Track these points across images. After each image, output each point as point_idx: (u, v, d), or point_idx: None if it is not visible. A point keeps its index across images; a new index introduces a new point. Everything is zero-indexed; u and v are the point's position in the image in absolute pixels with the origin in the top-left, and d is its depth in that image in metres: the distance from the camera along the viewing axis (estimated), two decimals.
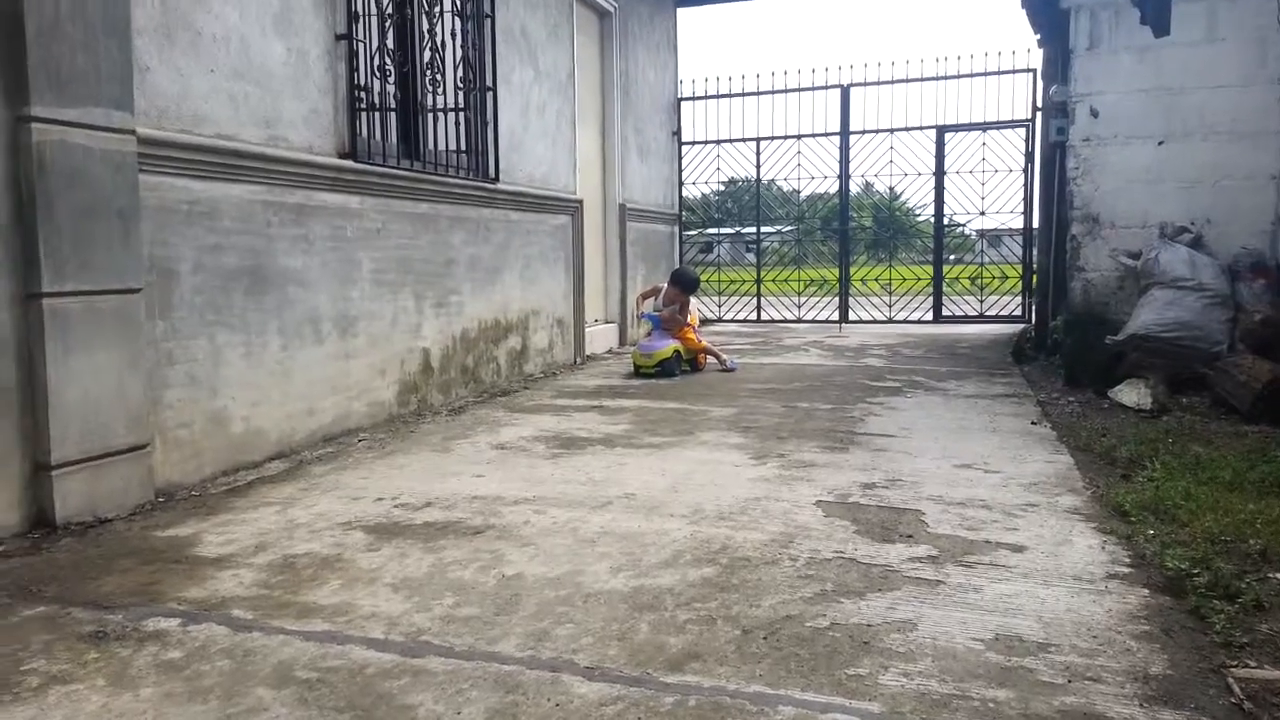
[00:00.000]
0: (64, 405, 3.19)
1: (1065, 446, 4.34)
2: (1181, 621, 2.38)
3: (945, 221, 10.71)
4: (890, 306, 10.82)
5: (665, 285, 7.32)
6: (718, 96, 10.91)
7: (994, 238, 11.40)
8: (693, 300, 7.46)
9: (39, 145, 3.11)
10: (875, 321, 10.72)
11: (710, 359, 7.29)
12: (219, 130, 3.97)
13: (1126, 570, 2.74)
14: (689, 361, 7.08)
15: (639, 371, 6.84)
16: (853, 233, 11.62)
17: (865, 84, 10.39)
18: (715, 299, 11.51)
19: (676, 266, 8.00)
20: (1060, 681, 2.05)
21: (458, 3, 5.86)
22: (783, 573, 2.72)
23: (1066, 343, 6.30)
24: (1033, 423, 4.90)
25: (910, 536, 3.05)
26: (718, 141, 10.96)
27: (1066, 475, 3.84)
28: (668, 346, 6.83)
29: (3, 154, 3.06)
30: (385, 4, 5.13)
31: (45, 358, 3.13)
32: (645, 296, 7.62)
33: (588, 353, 8.02)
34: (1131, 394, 5.28)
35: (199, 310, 3.87)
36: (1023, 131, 9.91)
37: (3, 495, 3.05)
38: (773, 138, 10.81)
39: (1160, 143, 5.80)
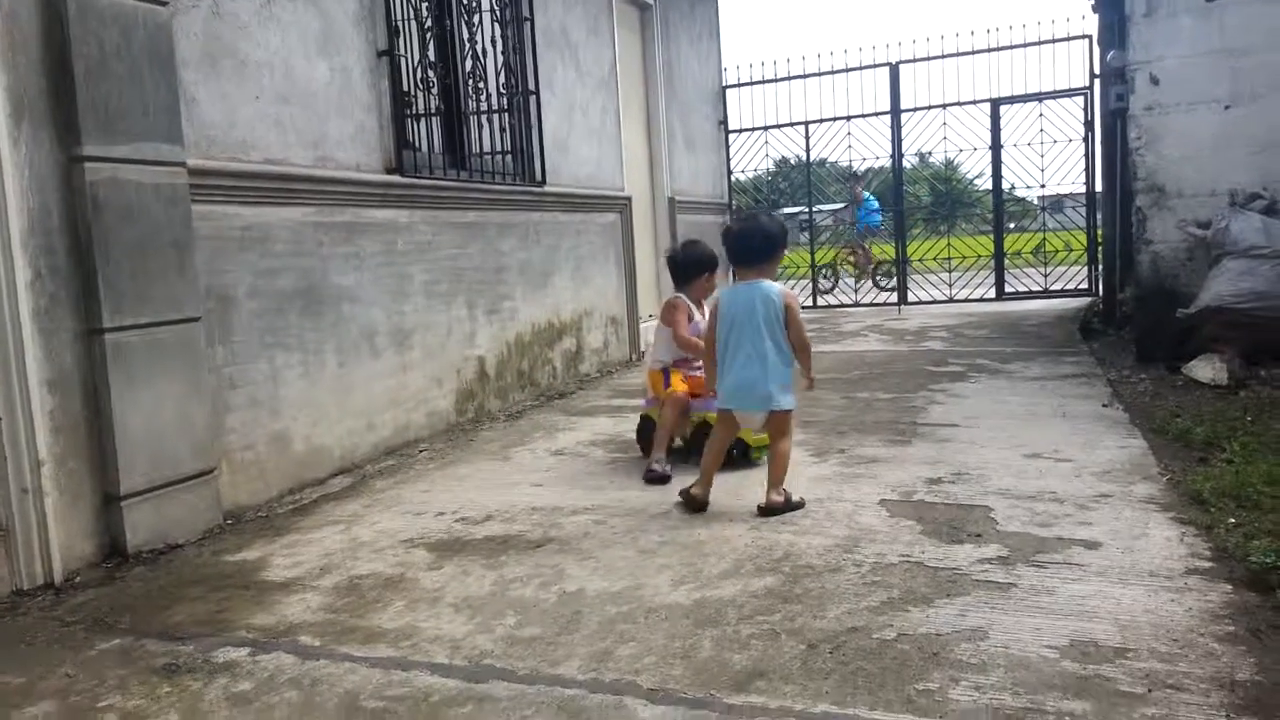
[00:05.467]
0: (130, 436, 3.26)
1: (1139, 429, 4.20)
2: (1269, 620, 2.27)
3: (1005, 195, 10.44)
4: (950, 285, 10.59)
5: (685, 291, 4.39)
6: (763, 82, 10.76)
7: (1055, 204, 11.07)
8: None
9: (92, 185, 3.17)
10: (935, 302, 10.50)
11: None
12: (267, 155, 4.02)
13: (1207, 565, 2.63)
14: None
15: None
16: (909, 208, 11.40)
17: (915, 60, 10.15)
18: None
19: (679, 251, 4.53)
20: (1140, 691, 1.97)
21: (496, 8, 5.86)
22: (847, 580, 2.67)
23: (1136, 318, 6.10)
24: (1104, 405, 4.75)
25: (979, 536, 2.97)
26: (765, 128, 10.81)
27: (1141, 461, 3.71)
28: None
29: (58, 195, 3.12)
30: (425, 17, 5.15)
31: (110, 391, 3.20)
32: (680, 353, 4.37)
33: (642, 349, 7.99)
34: (1206, 369, 5.09)
35: (257, 334, 3.93)
36: (1081, 100, 9.59)
37: (76, 527, 3.14)
38: (821, 120, 10.63)
39: (1227, 107, 5.54)
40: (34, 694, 2.27)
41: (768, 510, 3.32)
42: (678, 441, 4.24)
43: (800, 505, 3.38)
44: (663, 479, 3.88)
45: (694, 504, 3.43)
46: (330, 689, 2.20)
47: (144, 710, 2.15)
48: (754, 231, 3.52)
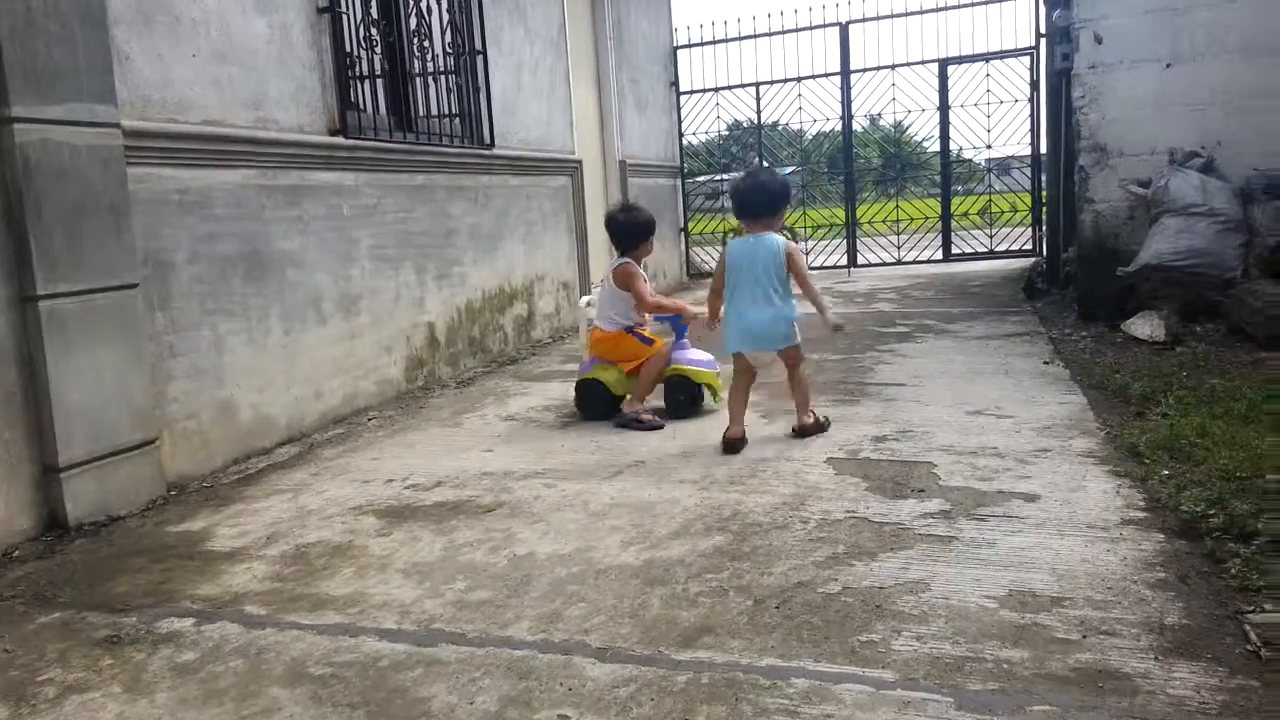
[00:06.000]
0: (68, 406, 3.19)
1: (1079, 385, 4.29)
2: (1197, 566, 2.35)
3: (952, 156, 10.53)
4: (899, 247, 10.68)
5: (624, 258, 4.48)
6: (714, 42, 10.68)
7: (1002, 166, 11.19)
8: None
9: (22, 146, 3.07)
10: (884, 264, 10.58)
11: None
12: (205, 116, 3.91)
13: (1141, 515, 2.71)
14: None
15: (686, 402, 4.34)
16: (859, 171, 11.44)
17: (864, 20, 10.13)
18: (718, 250, 11.40)
19: (621, 217, 4.64)
20: (1075, 638, 2.03)
21: None
22: (794, 537, 2.71)
23: (1079, 277, 6.20)
24: (1045, 362, 4.84)
25: (922, 491, 3.02)
26: (716, 89, 10.75)
27: (1080, 416, 3.79)
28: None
29: None
30: None
31: (46, 360, 3.12)
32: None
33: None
34: (1145, 326, 5.20)
35: (198, 300, 3.85)
36: (1027, 60, 9.66)
37: (13, 500, 3.07)
38: (772, 82, 10.60)
39: (1168, 65, 5.62)
40: None
41: (801, 431, 3.76)
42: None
43: (826, 425, 3.83)
44: (660, 427, 4.13)
45: (736, 445, 3.66)
46: (277, 657, 2.19)
47: (86, 682, 2.12)
48: (759, 188, 3.83)
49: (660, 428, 4.11)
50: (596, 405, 4.36)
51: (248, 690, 2.04)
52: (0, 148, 3.06)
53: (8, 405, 3.07)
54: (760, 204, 3.80)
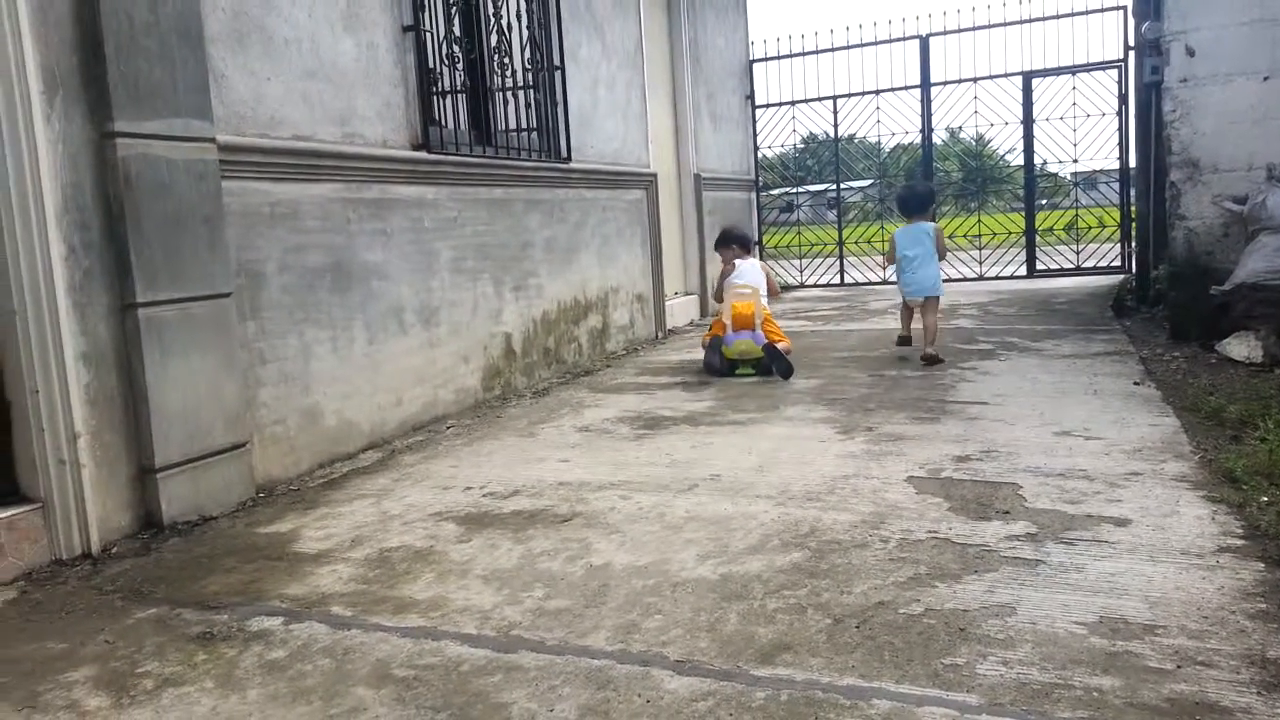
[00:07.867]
0: (164, 410, 3.31)
1: (1171, 407, 4.15)
2: None
3: (1037, 170, 10.31)
4: (980, 263, 10.48)
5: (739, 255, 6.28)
6: (790, 56, 10.66)
7: (1089, 180, 10.90)
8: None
9: (124, 160, 3.20)
10: (965, 279, 10.40)
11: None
12: (296, 131, 4.04)
13: (1239, 542, 2.60)
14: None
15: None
16: (939, 184, 11.28)
17: (945, 33, 10.02)
18: (796, 262, 11.33)
19: (734, 231, 6.56)
20: (1169, 667, 1.96)
21: None
22: (874, 556, 2.67)
23: (1170, 295, 6.01)
24: (1135, 382, 4.70)
25: (1007, 513, 2.95)
26: (793, 102, 10.73)
27: (1172, 439, 3.67)
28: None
29: (91, 170, 3.16)
30: None
31: (144, 365, 3.25)
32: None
33: (669, 327, 7.99)
34: (1240, 347, 5.01)
35: (287, 309, 3.97)
36: (1115, 73, 9.43)
37: (112, 499, 3.20)
38: (849, 95, 10.52)
39: (1265, 78, 5.42)
40: (75, 659, 2.32)
41: (929, 359, 5.54)
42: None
43: (943, 360, 5.55)
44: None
45: (908, 341, 5.96)
46: (362, 658, 2.23)
47: (181, 676, 2.19)
48: (915, 195, 6.10)
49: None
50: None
51: (334, 690, 2.09)
52: (104, 161, 3.20)
53: (108, 408, 3.20)
54: (916, 205, 5.96)
